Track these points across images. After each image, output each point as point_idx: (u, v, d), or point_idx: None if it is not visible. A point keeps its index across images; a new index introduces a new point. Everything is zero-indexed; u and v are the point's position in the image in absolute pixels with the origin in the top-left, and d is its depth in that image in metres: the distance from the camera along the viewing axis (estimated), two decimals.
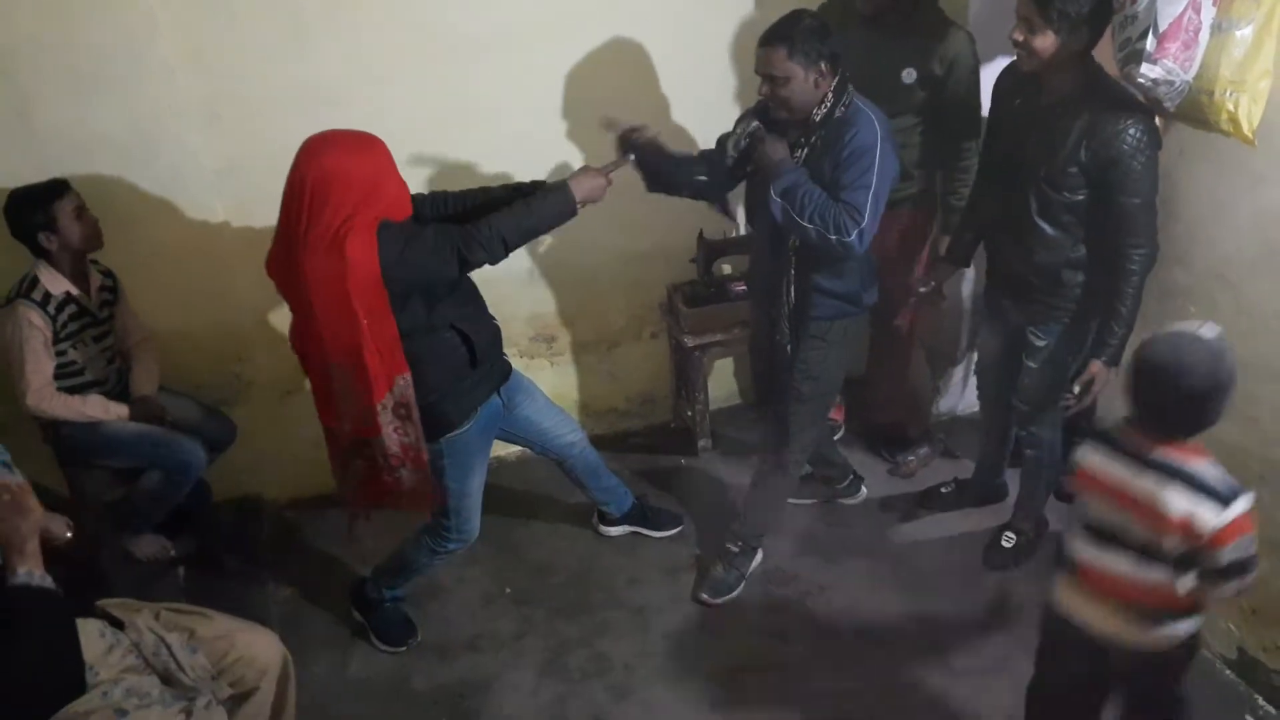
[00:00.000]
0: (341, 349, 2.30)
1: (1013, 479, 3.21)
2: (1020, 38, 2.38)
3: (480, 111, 3.13)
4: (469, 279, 2.47)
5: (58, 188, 2.70)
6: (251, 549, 3.26)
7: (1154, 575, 1.87)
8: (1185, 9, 2.18)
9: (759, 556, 3.11)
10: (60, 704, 1.82)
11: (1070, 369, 2.75)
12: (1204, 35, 2.23)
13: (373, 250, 2.21)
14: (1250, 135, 2.22)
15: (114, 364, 2.91)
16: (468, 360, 2.47)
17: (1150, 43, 2.21)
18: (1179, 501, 1.80)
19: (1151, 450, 1.87)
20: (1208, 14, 2.21)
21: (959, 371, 3.69)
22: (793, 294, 2.73)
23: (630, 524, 3.27)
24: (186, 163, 2.96)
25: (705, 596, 3.02)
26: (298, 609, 3.06)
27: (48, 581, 1.78)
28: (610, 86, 3.20)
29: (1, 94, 2.73)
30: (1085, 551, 1.98)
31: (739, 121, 2.64)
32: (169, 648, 2.05)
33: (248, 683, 2.14)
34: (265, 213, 3.07)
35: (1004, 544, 3.09)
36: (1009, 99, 2.62)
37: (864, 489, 3.40)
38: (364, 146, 2.29)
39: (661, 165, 2.70)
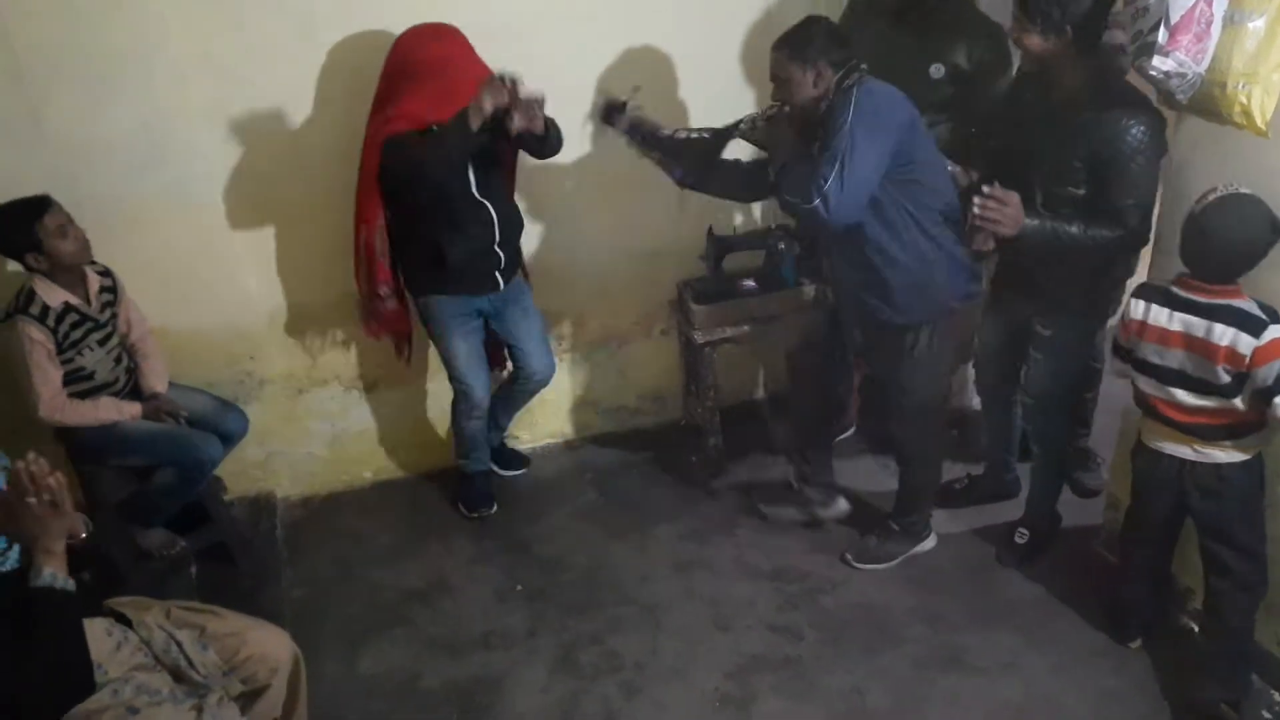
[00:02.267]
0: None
1: (1025, 475, 3.20)
2: (1015, 35, 2.45)
3: None
4: (480, 213, 2.94)
5: (38, 206, 2.64)
6: (264, 547, 3.27)
7: (1210, 401, 2.28)
8: (1197, 1, 2.16)
9: (926, 544, 3.13)
10: (71, 704, 1.84)
11: (1076, 360, 2.77)
12: (1216, 27, 2.21)
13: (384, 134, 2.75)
14: (1263, 127, 2.21)
15: (122, 363, 2.92)
16: (436, 261, 2.94)
17: (1162, 35, 2.20)
18: (1223, 333, 2.20)
19: (1199, 295, 2.25)
20: (1220, 6, 2.19)
21: (970, 369, 3.66)
22: (839, 293, 2.88)
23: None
24: (197, 164, 2.98)
25: (849, 558, 3.12)
26: (310, 607, 3.07)
27: (70, 584, 1.80)
28: (619, 74, 3.20)
29: (13, 97, 2.75)
30: (1152, 390, 2.39)
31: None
32: (179, 645, 2.06)
33: (259, 680, 2.15)
34: (276, 213, 3.11)
35: (1017, 540, 3.08)
36: (1021, 94, 2.65)
37: (841, 503, 3.25)
38: (438, 34, 2.79)
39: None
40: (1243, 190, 2.19)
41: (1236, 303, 2.22)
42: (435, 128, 2.71)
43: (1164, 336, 2.32)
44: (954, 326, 2.81)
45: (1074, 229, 2.45)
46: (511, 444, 3.68)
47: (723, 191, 3.05)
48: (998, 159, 2.72)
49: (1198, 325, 2.25)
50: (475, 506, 3.42)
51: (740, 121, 2.89)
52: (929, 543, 3.14)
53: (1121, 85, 2.47)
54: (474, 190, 2.91)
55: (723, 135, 2.91)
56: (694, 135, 2.92)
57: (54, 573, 1.78)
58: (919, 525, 3.12)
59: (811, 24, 2.57)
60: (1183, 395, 2.33)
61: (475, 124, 2.61)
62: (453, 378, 3.21)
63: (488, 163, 2.93)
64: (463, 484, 3.45)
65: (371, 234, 2.94)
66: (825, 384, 3.15)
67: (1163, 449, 2.43)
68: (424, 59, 2.74)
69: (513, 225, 3.07)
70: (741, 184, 2.97)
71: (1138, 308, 2.37)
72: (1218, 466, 2.36)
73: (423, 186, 2.81)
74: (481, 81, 2.62)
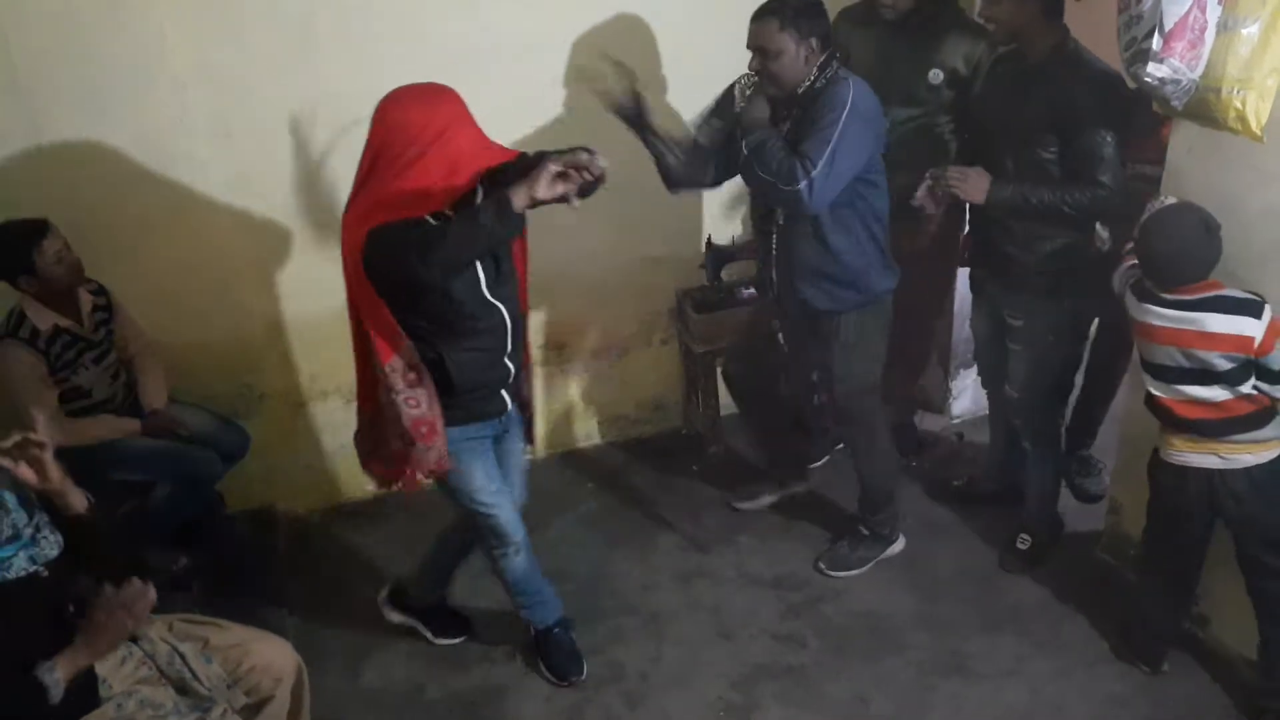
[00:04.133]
0: (355, 309, 2.28)
1: None
2: (985, 14, 2.57)
3: (486, 121, 3.13)
4: (493, 317, 2.31)
5: (38, 230, 2.63)
6: (266, 560, 3.26)
7: (1215, 392, 2.29)
8: (1191, 7, 2.17)
9: (895, 547, 3.17)
10: (75, 718, 1.84)
11: (1054, 351, 2.82)
12: (1210, 34, 2.22)
13: (376, 230, 2.09)
14: (1259, 132, 2.22)
15: (120, 379, 2.90)
16: (440, 385, 2.30)
17: (1156, 42, 2.20)
18: (1221, 323, 2.23)
19: (1184, 294, 2.27)
20: (1214, 12, 2.20)
21: (973, 372, 3.67)
22: (774, 275, 2.79)
23: (415, 618, 2.95)
24: (196, 176, 2.97)
25: (822, 566, 3.13)
26: (312, 620, 3.06)
27: (58, 692, 1.82)
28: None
29: (14, 110, 2.75)
30: (1158, 389, 2.39)
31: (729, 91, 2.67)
32: (183, 657, 2.06)
33: (263, 691, 2.15)
34: (275, 226, 3.11)
35: (1019, 545, 3.09)
36: (996, 72, 2.77)
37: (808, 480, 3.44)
38: (431, 99, 2.14)
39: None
40: (1171, 200, 2.33)
41: (1222, 292, 2.27)
42: (433, 217, 2.14)
43: (1149, 331, 2.36)
44: (877, 314, 2.82)
45: (1045, 192, 2.56)
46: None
47: (711, 180, 2.77)
48: (977, 133, 2.81)
49: (1188, 319, 2.27)
50: (564, 673, 2.80)
51: (733, 86, 2.66)
52: (898, 546, 3.17)
53: (1081, 52, 2.57)
54: (484, 289, 2.28)
55: (725, 115, 2.66)
56: (705, 129, 2.69)
57: (59, 679, 1.82)
58: (886, 526, 3.13)
59: None
60: (1192, 390, 2.32)
61: (521, 204, 2.07)
62: (473, 514, 2.56)
63: (503, 251, 2.34)
64: (541, 644, 2.83)
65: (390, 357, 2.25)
66: (763, 396, 3.24)
67: (1189, 462, 2.39)
68: (414, 133, 2.09)
69: (522, 326, 2.47)
70: (719, 168, 2.73)
71: (1129, 302, 2.41)
72: (1248, 471, 2.34)
73: (423, 290, 2.19)
74: (533, 166, 2.09)
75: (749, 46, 2.56)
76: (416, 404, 2.29)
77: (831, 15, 3.03)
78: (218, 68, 2.87)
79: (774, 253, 2.76)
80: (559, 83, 3.19)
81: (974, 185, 2.63)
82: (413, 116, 2.11)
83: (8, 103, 2.74)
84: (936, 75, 2.89)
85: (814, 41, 2.51)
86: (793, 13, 2.49)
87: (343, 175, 3.04)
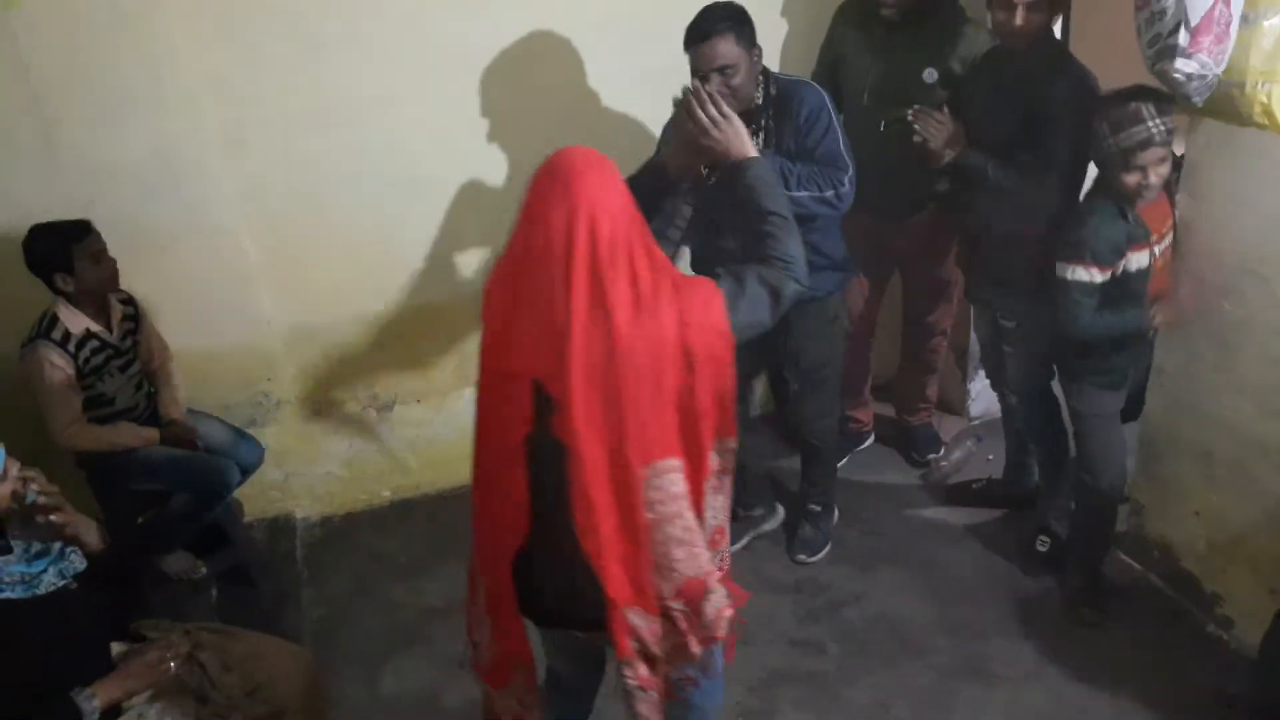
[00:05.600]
0: (682, 432, 1.75)
1: None
2: (1020, 21, 2.51)
3: (494, 123, 3.15)
4: None
5: (79, 230, 2.66)
6: (283, 567, 3.27)
7: None
8: (1216, 1, 2.15)
9: (835, 514, 3.29)
10: None
11: (1046, 351, 2.81)
12: (1234, 27, 2.20)
13: (719, 297, 1.78)
14: None
15: (143, 389, 2.92)
16: None
17: (1183, 37, 2.17)
18: None
19: None
20: (1237, 5, 2.18)
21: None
22: None
23: None
24: (210, 187, 2.98)
25: (803, 557, 3.17)
26: (330, 626, 3.06)
27: (94, 718, 1.85)
28: (623, 94, 3.20)
29: (27, 123, 2.76)
30: None
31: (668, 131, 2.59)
32: (201, 666, 2.06)
33: (280, 700, 2.14)
34: (289, 234, 3.11)
35: (1038, 548, 3.06)
36: (983, 78, 2.76)
37: (780, 510, 3.33)
38: (597, 166, 1.73)
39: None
40: None
41: None
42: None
43: None
44: (846, 296, 3.00)
45: (997, 168, 2.60)
46: None
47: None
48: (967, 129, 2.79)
49: None
50: None
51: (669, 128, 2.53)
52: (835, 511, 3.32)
53: (1057, 48, 2.61)
54: None
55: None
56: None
57: (96, 708, 1.85)
58: (831, 495, 3.26)
59: (730, 5, 2.47)
60: None
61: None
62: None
63: None
64: None
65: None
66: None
67: None
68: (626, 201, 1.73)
69: None
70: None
71: None
72: None
73: None
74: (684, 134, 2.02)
75: (703, 70, 2.42)
76: (715, 512, 1.89)
77: (828, 14, 3.05)
78: (229, 78, 2.88)
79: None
80: (564, 86, 3.18)
81: (941, 135, 2.61)
82: (610, 183, 1.72)
83: (23, 117, 2.76)
84: (931, 75, 2.89)
85: (758, 47, 2.51)
86: (737, 23, 2.44)
87: (352, 180, 3.06)
